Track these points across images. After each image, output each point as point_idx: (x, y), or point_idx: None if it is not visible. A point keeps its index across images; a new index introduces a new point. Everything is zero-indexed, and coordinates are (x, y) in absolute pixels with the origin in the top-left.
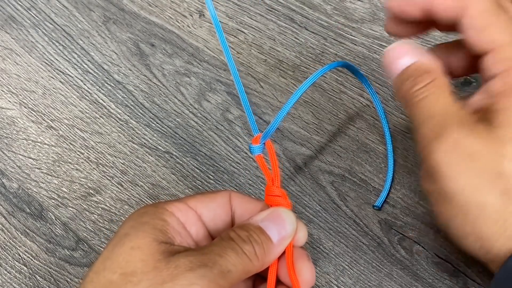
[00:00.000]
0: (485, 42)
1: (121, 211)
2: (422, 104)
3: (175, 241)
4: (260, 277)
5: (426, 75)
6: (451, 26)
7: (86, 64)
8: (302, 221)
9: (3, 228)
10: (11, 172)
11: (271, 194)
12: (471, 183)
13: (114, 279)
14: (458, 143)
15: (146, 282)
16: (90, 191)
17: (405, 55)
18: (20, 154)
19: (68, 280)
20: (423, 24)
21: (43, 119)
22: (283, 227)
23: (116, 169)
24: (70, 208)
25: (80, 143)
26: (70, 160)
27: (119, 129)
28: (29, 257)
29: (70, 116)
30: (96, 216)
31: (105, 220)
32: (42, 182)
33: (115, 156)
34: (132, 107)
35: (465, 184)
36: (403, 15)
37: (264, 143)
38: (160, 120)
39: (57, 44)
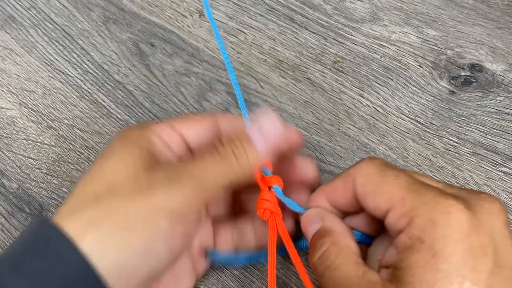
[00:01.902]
0: (381, 203)
1: None
2: (327, 275)
3: (160, 159)
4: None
5: (326, 238)
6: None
7: (86, 64)
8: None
9: (3, 228)
10: (11, 172)
11: (264, 198)
12: None
13: (100, 190)
14: None
15: (125, 190)
16: None
17: (313, 223)
18: (20, 154)
19: None
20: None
21: (43, 119)
22: (268, 133)
23: None
24: None
25: (80, 143)
26: (70, 160)
27: (119, 129)
28: None
29: (70, 116)
30: None
31: None
32: (42, 182)
33: None
34: (132, 107)
35: None
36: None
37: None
38: (160, 120)
39: (57, 44)
